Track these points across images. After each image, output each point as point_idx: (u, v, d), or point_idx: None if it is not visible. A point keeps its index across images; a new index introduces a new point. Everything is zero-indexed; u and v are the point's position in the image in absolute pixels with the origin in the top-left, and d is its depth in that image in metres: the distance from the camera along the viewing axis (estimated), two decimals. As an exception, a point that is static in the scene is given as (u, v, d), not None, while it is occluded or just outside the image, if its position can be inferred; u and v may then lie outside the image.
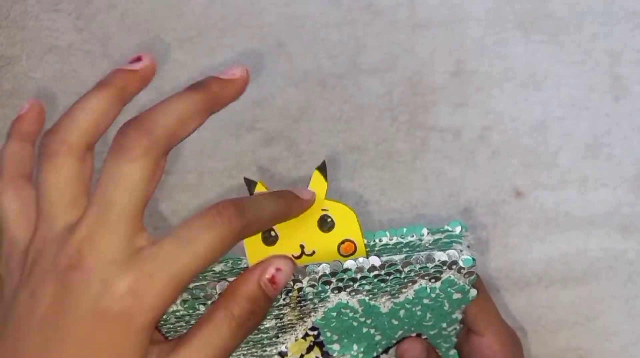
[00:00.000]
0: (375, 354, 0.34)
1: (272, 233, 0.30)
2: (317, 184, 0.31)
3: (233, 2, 0.46)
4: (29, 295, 0.25)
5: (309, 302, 0.30)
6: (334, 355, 0.33)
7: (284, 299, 0.30)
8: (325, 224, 0.31)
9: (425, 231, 0.33)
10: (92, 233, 0.24)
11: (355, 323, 0.32)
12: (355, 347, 0.33)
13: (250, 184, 0.32)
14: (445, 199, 0.46)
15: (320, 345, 0.32)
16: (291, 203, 0.30)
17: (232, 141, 0.47)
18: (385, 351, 0.34)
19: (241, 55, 0.46)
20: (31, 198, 0.27)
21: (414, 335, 0.34)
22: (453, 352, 0.36)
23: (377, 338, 0.33)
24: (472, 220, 0.46)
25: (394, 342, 0.34)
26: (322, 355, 0.33)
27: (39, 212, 0.26)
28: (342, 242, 0.31)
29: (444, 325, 0.34)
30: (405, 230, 0.32)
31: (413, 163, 0.45)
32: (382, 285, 0.31)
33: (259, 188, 0.32)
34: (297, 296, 0.30)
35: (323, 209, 0.31)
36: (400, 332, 0.33)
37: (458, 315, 0.34)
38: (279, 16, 0.45)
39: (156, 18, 0.46)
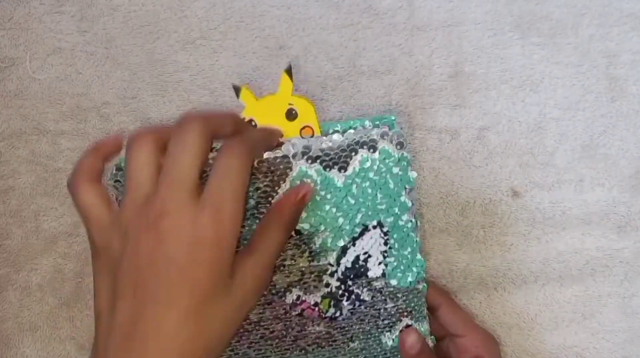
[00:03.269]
0: (342, 243, 0.38)
1: (254, 124, 0.40)
2: (285, 84, 0.40)
3: (235, 5, 0.46)
4: (131, 247, 0.30)
5: (277, 168, 0.37)
6: (305, 233, 0.38)
7: (256, 168, 0.37)
8: (291, 115, 0.39)
9: (367, 122, 0.40)
10: (168, 191, 0.30)
11: (317, 198, 0.38)
12: (322, 227, 0.38)
13: (237, 89, 0.40)
14: (442, 199, 0.46)
15: None
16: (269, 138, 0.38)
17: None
18: (353, 243, 0.38)
19: (242, 57, 0.46)
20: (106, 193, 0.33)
21: (374, 223, 0.38)
22: (418, 256, 0.41)
23: (340, 221, 0.38)
24: (469, 219, 0.46)
25: (358, 231, 0.38)
26: (295, 233, 0.38)
27: (126, 188, 0.31)
28: (303, 127, 0.39)
29: (397, 210, 0.38)
30: (352, 121, 0.40)
31: (411, 163, 0.46)
32: (330, 152, 0.37)
33: (245, 93, 0.40)
34: (265, 162, 0.37)
35: (289, 104, 0.40)
36: (359, 216, 0.38)
37: (407, 200, 0.38)
38: (280, 19, 0.46)
39: (159, 20, 0.46)
